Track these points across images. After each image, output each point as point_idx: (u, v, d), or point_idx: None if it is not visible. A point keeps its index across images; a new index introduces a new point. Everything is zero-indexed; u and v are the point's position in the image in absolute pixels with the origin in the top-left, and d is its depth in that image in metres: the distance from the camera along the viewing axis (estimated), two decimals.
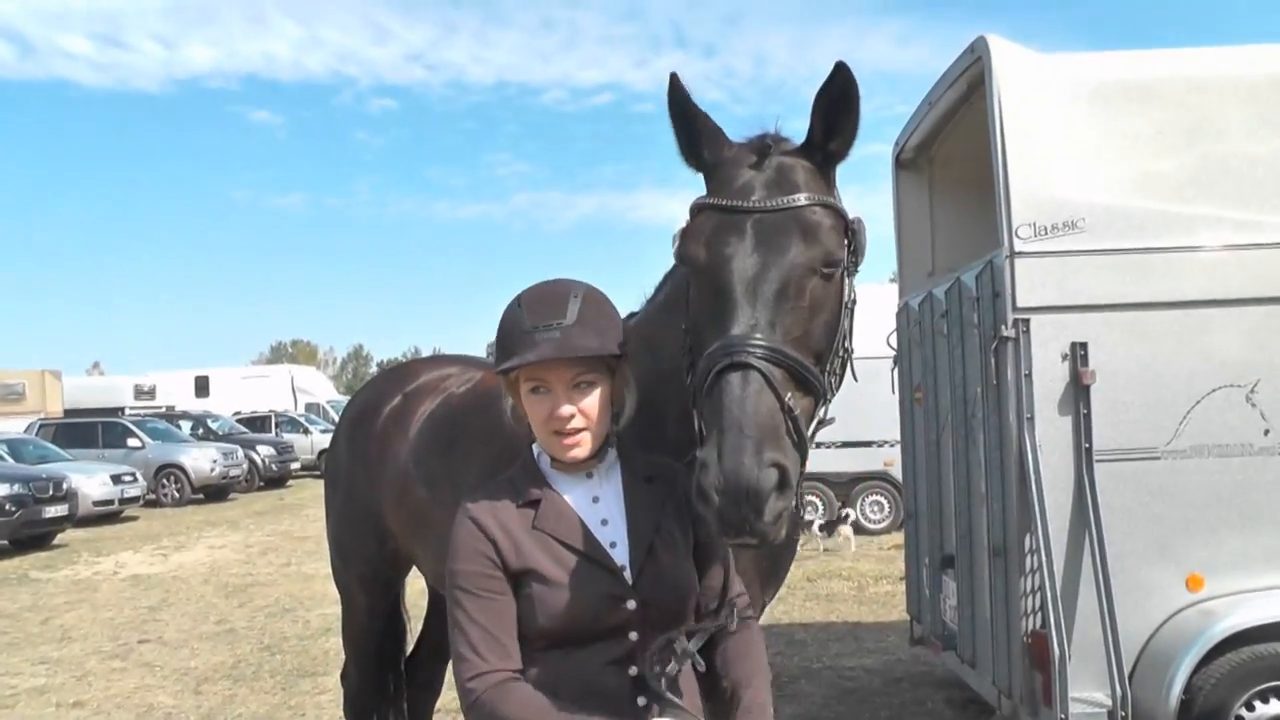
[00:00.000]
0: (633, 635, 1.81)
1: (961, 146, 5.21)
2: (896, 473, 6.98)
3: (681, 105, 2.03)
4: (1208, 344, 4.18)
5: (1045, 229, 4.13)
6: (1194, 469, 4.18)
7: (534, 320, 1.81)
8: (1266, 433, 4.18)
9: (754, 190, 1.92)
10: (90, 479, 17.14)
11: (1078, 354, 4.14)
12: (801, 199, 1.91)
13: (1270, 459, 4.18)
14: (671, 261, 2.56)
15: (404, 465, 3.22)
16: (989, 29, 4.39)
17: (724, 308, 1.84)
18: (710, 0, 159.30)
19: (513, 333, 1.83)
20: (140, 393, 31.43)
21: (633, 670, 1.80)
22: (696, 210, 1.98)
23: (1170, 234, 4.17)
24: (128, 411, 28.03)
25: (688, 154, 2.06)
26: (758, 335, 1.79)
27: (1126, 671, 4.00)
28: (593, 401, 1.84)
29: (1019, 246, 4.12)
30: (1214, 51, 4.50)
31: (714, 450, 1.68)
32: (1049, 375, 4.15)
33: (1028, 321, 4.14)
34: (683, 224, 2.02)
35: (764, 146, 1.99)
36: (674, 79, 2.02)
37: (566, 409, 1.81)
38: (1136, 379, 4.17)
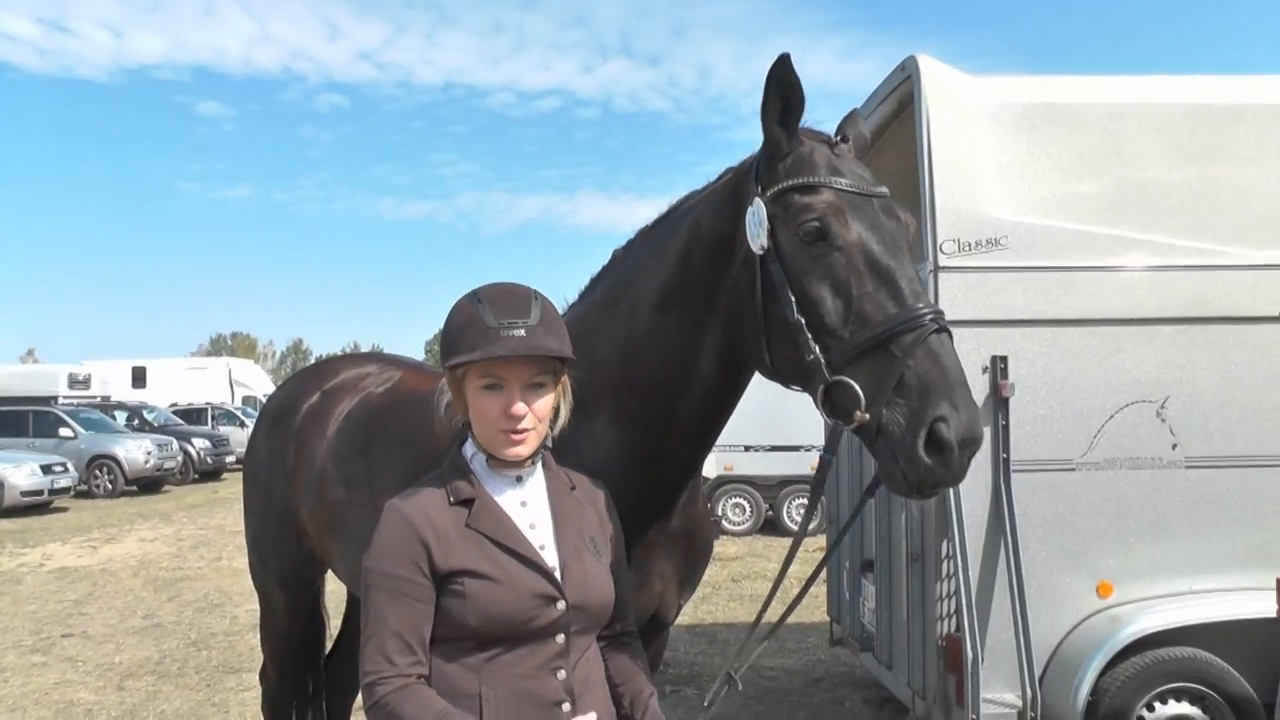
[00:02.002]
0: (559, 638, 1.84)
1: (891, 161, 5.32)
2: None
3: (789, 82, 2.09)
4: (1122, 361, 4.32)
5: (969, 245, 4.25)
6: (1106, 481, 4.32)
7: (498, 317, 1.82)
8: (1174, 447, 4.34)
9: (861, 177, 2.10)
10: (18, 468, 16.74)
11: (998, 367, 4.25)
12: (886, 189, 2.14)
13: (1177, 472, 4.34)
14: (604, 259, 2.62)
15: (321, 465, 3.20)
16: (930, 47, 4.52)
17: (893, 277, 1.97)
18: (658, 11, 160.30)
19: (472, 327, 1.83)
20: (75, 382, 30.59)
21: (561, 674, 1.82)
22: (808, 189, 2.05)
23: (1089, 254, 4.30)
24: (61, 400, 27.28)
25: (780, 126, 2.13)
26: (931, 304, 1.98)
27: (1037, 674, 4.13)
28: (543, 403, 1.87)
29: (943, 261, 4.22)
30: (1133, 80, 4.65)
31: (947, 404, 1.83)
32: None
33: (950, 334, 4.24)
34: (766, 210, 2.07)
35: (829, 139, 2.18)
36: (786, 58, 2.09)
37: (521, 407, 1.83)
38: (1054, 393, 4.30)
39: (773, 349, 2.10)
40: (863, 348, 1.92)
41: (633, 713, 1.94)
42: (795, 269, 2.02)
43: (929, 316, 1.91)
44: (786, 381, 2.15)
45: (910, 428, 1.85)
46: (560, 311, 2.01)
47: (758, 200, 2.09)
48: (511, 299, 1.86)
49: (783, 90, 2.09)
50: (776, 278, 2.04)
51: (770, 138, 2.14)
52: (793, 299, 2.01)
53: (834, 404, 1.97)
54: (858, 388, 1.91)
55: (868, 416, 1.90)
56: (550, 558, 1.87)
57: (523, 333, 1.80)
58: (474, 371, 1.84)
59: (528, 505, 1.92)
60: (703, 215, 2.31)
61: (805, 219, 2.01)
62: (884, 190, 2.11)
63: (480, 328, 1.82)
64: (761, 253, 2.06)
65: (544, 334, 1.83)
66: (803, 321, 2.00)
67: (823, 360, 1.97)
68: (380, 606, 1.79)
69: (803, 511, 12.62)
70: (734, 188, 2.24)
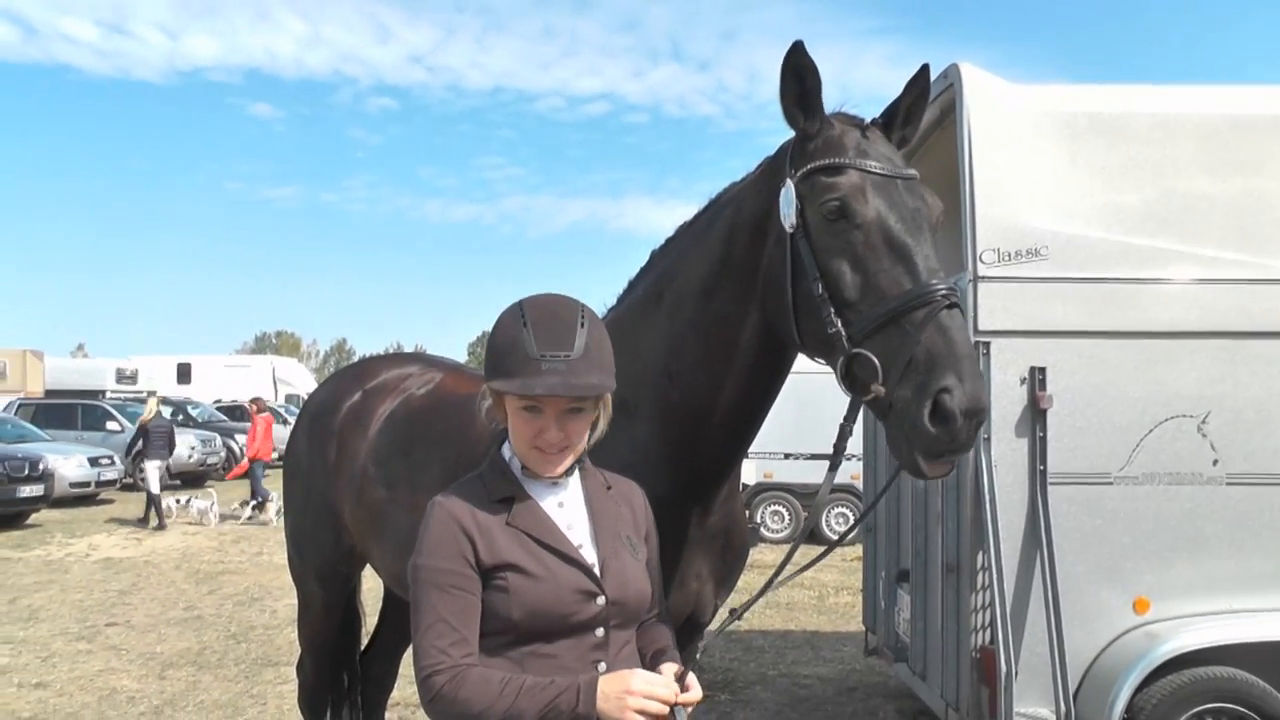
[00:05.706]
0: (599, 632, 1.88)
1: (932, 169, 5.29)
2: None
3: (803, 66, 2.18)
4: (1162, 375, 4.27)
5: (1009, 255, 4.22)
6: (1145, 495, 4.27)
7: (541, 348, 1.82)
8: (1215, 463, 4.28)
9: (888, 159, 2.17)
10: (67, 460, 17.07)
11: (1036, 378, 4.22)
12: (914, 171, 2.20)
13: (1218, 489, 4.28)
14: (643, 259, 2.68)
15: (363, 464, 3.25)
16: (975, 54, 4.52)
17: (909, 254, 2.05)
18: (707, 16, 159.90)
19: (515, 353, 1.84)
20: (122, 376, 31.22)
21: (601, 666, 1.86)
22: (833, 170, 2.13)
23: (1130, 266, 4.26)
24: (109, 395, 27.88)
25: (797, 108, 2.22)
26: (944, 280, 2.04)
27: (1072, 689, 4.09)
28: (579, 426, 1.90)
29: (983, 271, 4.20)
30: (1178, 90, 4.60)
31: (952, 376, 1.89)
32: (1007, 398, 4.24)
33: (988, 344, 4.22)
34: (795, 190, 2.16)
35: (860, 122, 2.24)
36: (800, 45, 2.17)
37: (556, 434, 1.86)
38: (1092, 405, 4.26)
39: (800, 323, 2.19)
40: (878, 321, 2.01)
41: (650, 663, 1.97)
42: (820, 245, 2.13)
43: (941, 292, 1.99)
44: (812, 354, 2.25)
45: (916, 399, 1.92)
46: (600, 317, 2.04)
47: (789, 180, 2.19)
48: (556, 327, 1.85)
49: (798, 73, 2.18)
50: (804, 254, 2.15)
51: (789, 118, 2.24)
52: (817, 274, 2.12)
53: (853, 376, 2.06)
54: (876, 361, 1.99)
55: (883, 390, 1.97)
56: (589, 555, 1.91)
57: (564, 367, 1.81)
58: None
59: (565, 506, 1.96)
60: (744, 198, 2.41)
61: (828, 198, 2.11)
62: (912, 172, 2.18)
63: (522, 356, 1.82)
64: (792, 230, 2.17)
65: (585, 369, 1.83)
66: (825, 296, 2.11)
67: (844, 334, 2.07)
68: (433, 601, 1.82)
69: (843, 521, 12.59)
70: (772, 170, 2.34)
